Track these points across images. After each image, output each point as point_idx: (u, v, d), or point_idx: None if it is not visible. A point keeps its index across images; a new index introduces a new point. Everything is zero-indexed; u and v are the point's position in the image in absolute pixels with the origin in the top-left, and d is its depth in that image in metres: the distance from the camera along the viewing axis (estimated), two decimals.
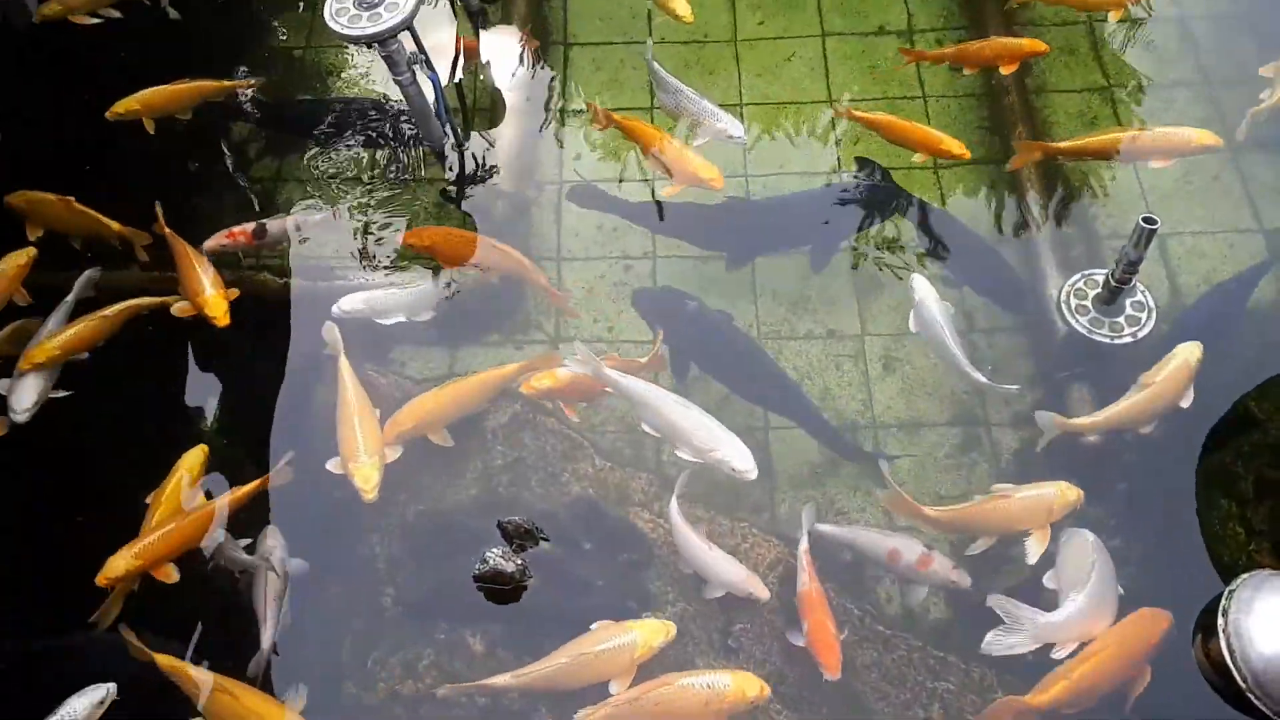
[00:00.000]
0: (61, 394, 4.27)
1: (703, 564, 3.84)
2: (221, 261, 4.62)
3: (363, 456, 3.88)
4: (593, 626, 3.68)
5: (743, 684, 3.47)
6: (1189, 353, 4.04)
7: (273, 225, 4.76)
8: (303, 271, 4.80)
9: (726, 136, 4.76)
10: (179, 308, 4.39)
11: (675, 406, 3.98)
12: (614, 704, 3.52)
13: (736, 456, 3.84)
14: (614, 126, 5.04)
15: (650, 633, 3.64)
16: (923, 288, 4.38)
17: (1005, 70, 5.09)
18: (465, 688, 3.67)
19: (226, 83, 5.32)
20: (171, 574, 3.76)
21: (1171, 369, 4.02)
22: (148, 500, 3.97)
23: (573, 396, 4.28)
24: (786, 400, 4.47)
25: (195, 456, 4.07)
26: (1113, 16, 5.39)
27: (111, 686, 3.62)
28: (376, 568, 4.01)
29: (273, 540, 3.94)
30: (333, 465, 3.94)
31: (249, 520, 4.00)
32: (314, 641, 3.89)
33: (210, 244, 4.63)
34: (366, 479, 3.83)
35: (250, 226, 4.70)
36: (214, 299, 4.33)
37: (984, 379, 4.20)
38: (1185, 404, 4.02)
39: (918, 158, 4.84)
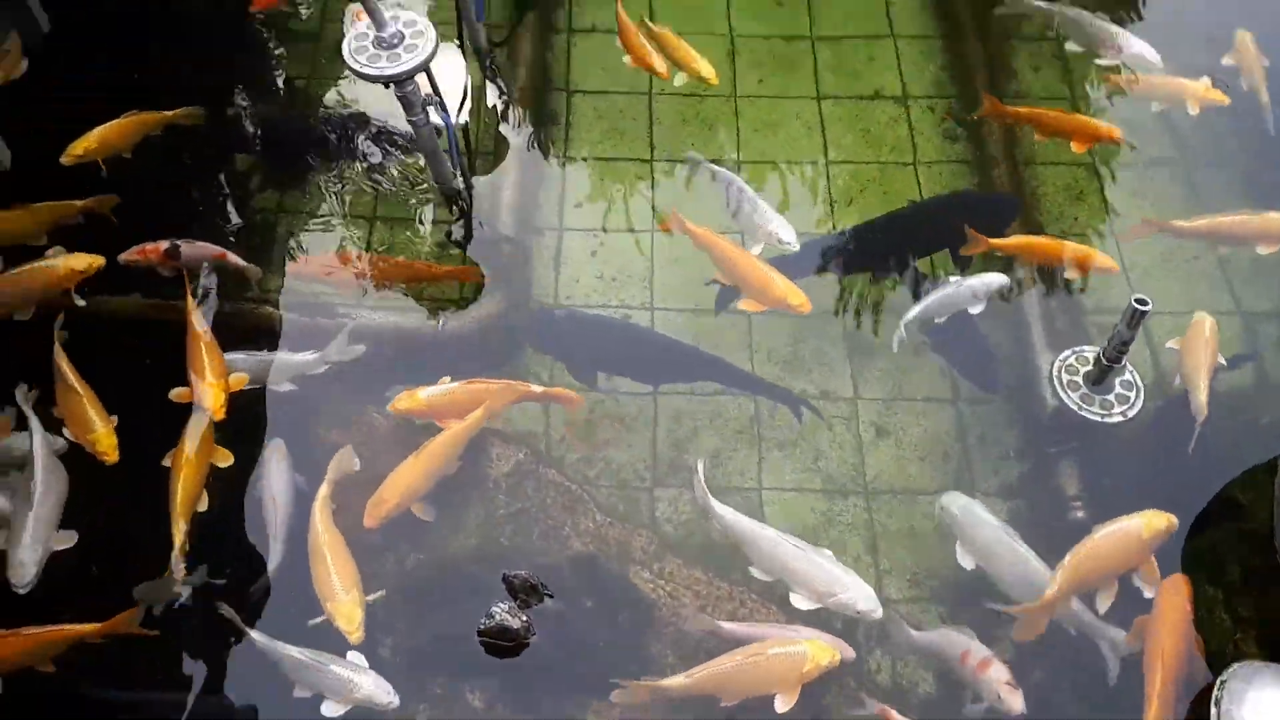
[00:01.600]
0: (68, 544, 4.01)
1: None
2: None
3: (340, 594, 3.75)
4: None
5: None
6: (1203, 317, 4.52)
7: (188, 248, 4.65)
8: (303, 307, 4.76)
9: (778, 240, 4.82)
10: (176, 393, 4.24)
11: (788, 548, 3.93)
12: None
13: (861, 599, 3.81)
14: (688, 235, 4.90)
15: (819, 650, 3.63)
16: None
17: (1077, 148, 5.27)
18: (642, 687, 3.68)
19: (168, 113, 5.14)
20: None
21: (1207, 332, 4.44)
22: (166, 462, 4.02)
23: (444, 416, 4.25)
24: (690, 365, 4.64)
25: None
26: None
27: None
28: (374, 617, 3.96)
29: (276, 456, 4.12)
30: (316, 623, 3.79)
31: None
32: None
33: (125, 256, 4.63)
34: (349, 619, 3.71)
35: (163, 245, 4.64)
36: (211, 391, 4.16)
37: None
38: (1224, 361, 4.45)
39: None
